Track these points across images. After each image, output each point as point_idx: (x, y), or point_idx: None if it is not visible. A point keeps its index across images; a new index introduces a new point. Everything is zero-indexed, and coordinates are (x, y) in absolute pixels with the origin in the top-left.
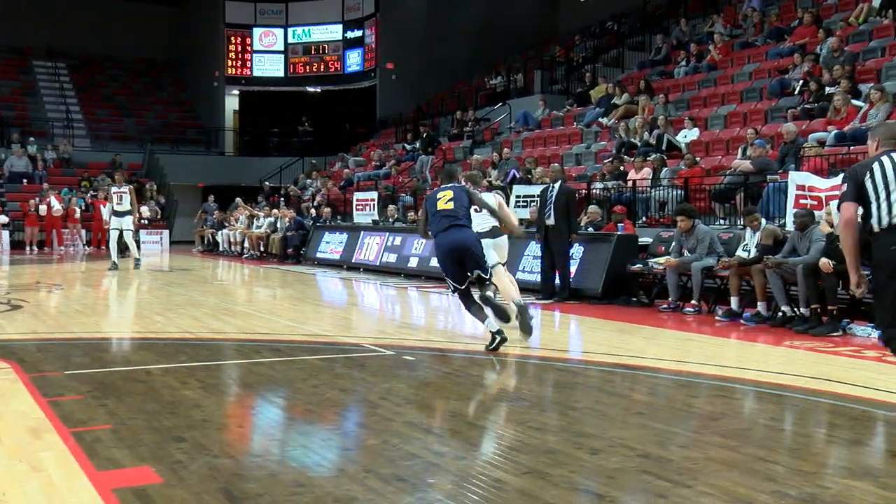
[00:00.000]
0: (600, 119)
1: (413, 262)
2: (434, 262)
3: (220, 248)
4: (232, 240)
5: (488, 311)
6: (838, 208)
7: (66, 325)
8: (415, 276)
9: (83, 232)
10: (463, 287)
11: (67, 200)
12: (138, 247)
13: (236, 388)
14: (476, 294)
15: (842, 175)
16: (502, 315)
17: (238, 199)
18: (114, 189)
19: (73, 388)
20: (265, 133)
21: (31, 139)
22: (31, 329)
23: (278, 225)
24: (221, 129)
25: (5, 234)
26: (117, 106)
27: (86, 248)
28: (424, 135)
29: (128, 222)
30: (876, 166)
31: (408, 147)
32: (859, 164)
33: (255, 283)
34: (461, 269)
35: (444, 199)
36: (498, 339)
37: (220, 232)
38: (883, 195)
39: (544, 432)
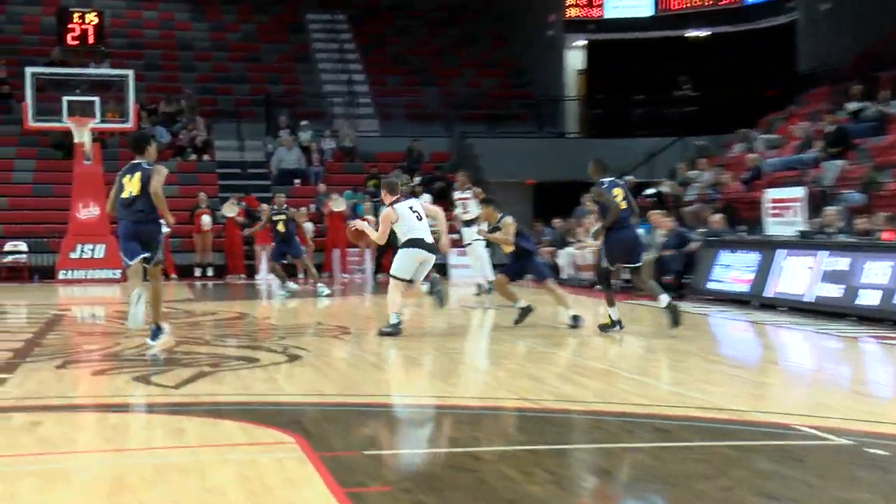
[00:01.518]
0: None
1: (869, 298)
2: None
3: (562, 275)
4: (580, 262)
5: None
6: None
7: (359, 385)
8: (872, 320)
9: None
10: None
11: (353, 206)
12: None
13: (602, 484)
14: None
15: None
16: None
17: (587, 202)
18: (456, 195)
19: (376, 475)
20: (624, 102)
21: (304, 123)
22: (316, 389)
23: (650, 240)
24: (560, 100)
25: (264, 256)
26: (412, 72)
27: (377, 275)
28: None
29: (473, 233)
30: None
31: (850, 107)
32: None
33: None
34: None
35: None
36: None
37: (560, 251)
38: None
39: None
